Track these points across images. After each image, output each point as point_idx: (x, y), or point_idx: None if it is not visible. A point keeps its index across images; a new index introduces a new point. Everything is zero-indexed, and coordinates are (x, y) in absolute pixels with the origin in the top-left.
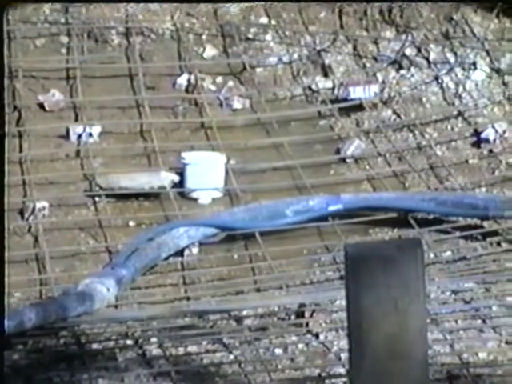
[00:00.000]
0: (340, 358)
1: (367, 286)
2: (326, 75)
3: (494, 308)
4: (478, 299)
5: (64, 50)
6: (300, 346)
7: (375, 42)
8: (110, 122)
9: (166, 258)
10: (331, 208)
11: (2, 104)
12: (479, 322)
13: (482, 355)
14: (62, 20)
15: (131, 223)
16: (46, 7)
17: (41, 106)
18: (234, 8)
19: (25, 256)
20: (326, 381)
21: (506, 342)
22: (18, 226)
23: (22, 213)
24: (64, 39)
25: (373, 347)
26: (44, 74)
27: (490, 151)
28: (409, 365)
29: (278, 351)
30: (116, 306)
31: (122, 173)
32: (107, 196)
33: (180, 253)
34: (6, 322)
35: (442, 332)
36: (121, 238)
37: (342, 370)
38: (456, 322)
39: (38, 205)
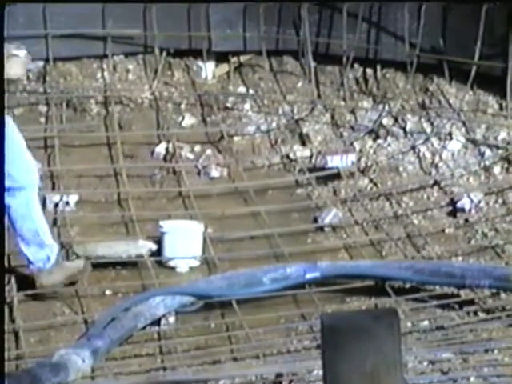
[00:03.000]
0: None
1: (344, 356)
2: (303, 144)
3: (472, 379)
4: (455, 370)
5: (43, 119)
6: None
7: (353, 112)
8: (88, 190)
9: (143, 328)
10: (308, 276)
11: (1, 103)
12: None
13: None
14: (41, 89)
15: (108, 292)
16: (24, 79)
17: None
18: (212, 78)
19: None
20: None
21: None
22: None
23: None
24: (43, 108)
25: None
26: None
27: (466, 220)
28: None
29: None
30: (92, 378)
31: (99, 241)
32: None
33: (157, 322)
34: None
35: None
36: (97, 308)
37: None
38: None
39: (13, 277)
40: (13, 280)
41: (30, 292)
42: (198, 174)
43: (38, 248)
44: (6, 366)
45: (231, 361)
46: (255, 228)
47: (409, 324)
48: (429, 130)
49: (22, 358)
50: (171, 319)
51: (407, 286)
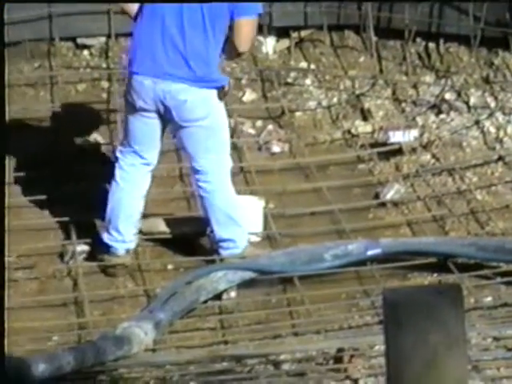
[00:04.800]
0: None
1: (406, 332)
2: (365, 119)
3: None
4: None
5: (105, 95)
6: None
7: (415, 87)
8: None
9: (204, 302)
10: (370, 252)
11: (2, 103)
12: None
13: None
14: (103, 65)
15: (170, 266)
16: (87, 53)
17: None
18: (273, 54)
19: (64, 299)
20: None
21: None
22: (57, 269)
23: (61, 256)
24: (105, 84)
25: None
26: (85, 118)
27: None
28: None
29: None
30: (154, 350)
31: (161, 217)
32: (146, 240)
33: (218, 296)
34: (44, 365)
35: (484, 380)
36: (159, 282)
37: None
38: (498, 369)
39: (78, 248)
40: (77, 251)
41: (94, 264)
42: (259, 149)
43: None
44: (70, 336)
45: (292, 336)
46: (316, 204)
47: (472, 301)
48: (493, 104)
49: (85, 328)
50: (232, 294)
51: (470, 262)
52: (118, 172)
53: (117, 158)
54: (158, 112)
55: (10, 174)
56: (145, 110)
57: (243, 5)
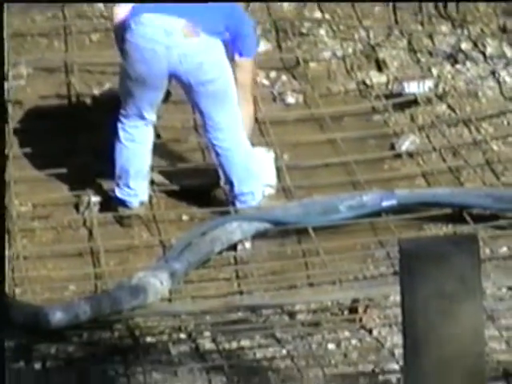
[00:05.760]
0: (393, 354)
1: (422, 282)
2: (380, 70)
3: None
4: None
5: None
6: (353, 341)
7: (430, 37)
8: (163, 117)
9: (220, 253)
10: (385, 204)
11: (2, 102)
12: None
13: None
14: None
15: (184, 217)
16: (101, 3)
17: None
18: (288, 4)
19: (79, 249)
20: (380, 376)
21: None
22: (72, 219)
23: (77, 206)
24: None
25: (428, 344)
26: (99, 68)
27: None
28: (464, 362)
29: (331, 346)
30: (169, 300)
31: (175, 168)
32: (160, 191)
33: (233, 247)
34: (60, 314)
35: (499, 329)
36: (174, 232)
37: (395, 366)
38: None
39: (93, 199)
40: (92, 202)
41: (109, 214)
42: (274, 100)
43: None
44: (86, 285)
45: (307, 286)
46: (331, 155)
47: (487, 251)
48: (509, 54)
49: (101, 277)
50: (247, 244)
51: (486, 213)
52: (121, 133)
53: (119, 120)
54: (166, 78)
55: (24, 124)
56: (150, 80)
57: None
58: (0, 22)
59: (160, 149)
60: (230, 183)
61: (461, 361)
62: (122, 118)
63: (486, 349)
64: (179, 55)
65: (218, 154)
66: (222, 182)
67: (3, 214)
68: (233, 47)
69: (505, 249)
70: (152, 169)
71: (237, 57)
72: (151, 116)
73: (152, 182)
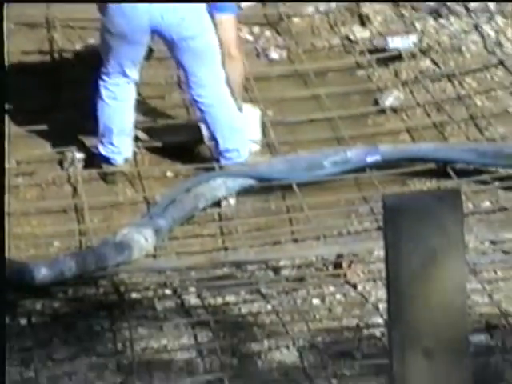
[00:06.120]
0: (378, 308)
1: (405, 236)
2: (363, 25)
3: None
4: None
5: None
6: (338, 296)
7: None
8: (146, 73)
9: (204, 209)
10: (369, 159)
11: (2, 102)
12: None
13: None
14: None
15: (169, 174)
16: None
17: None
18: None
19: (64, 206)
20: (364, 331)
21: None
22: (57, 176)
23: (61, 163)
24: None
25: (411, 298)
26: (82, 23)
27: None
28: (447, 315)
29: (316, 301)
30: (154, 256)
31: (159, 124)
32: (145, 148)
33: (218, 203)
34: (45, 270)
35: (481, 282)
36: (158, 189)
37: (379, 320)
38: (495, 272)
39: (77, 155)
40: (76, 158)
41: (93, 171)
42: (257, 56)
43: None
44: (71, 242)
45: (291, 242)
46: (315, 111)
47: (470, 206)
48: (493, 7)
49: (85, 234)
50: (232, 201)
51: (469, 168)
52: (103, 91)
53: (101, 78)
54: (147, 34)
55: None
56: (131, 36)
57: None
58: (0, 21)
59: (144, 106)
60: (215, 139)
61: (444, 314)
62: (104, 76)
63: (469, 302)
64: (160, 10)
65: (201, 111)
66: (206, 139)
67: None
68: (213, 4)
69: (488, 203)
70: (136, 126)
71: (217, 14)
72: (133, 73)
73: (136, 139)
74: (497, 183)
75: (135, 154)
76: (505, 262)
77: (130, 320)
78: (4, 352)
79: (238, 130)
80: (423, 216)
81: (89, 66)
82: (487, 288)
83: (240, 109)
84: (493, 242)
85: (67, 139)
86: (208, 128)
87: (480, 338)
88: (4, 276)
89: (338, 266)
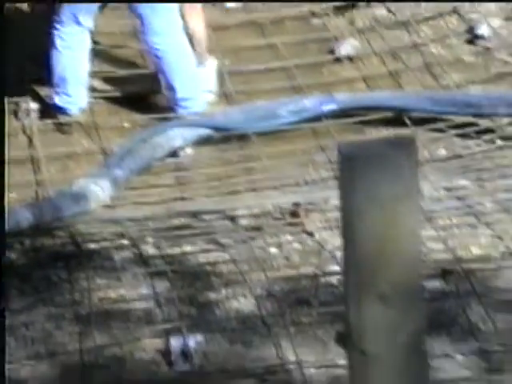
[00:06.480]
0: (334, 256)
1: (360, 184)
2: None
3: (487, 204)
4: (471, 196)
5: None
6: (295, 244)
7: None
8: (102, 22)
9: (161, 159)
10: (326, 108)
11: (2, 101)
12: (472, 218)
13: (475, 251)
14: None
15: (125, 124)
16: None
17: None
18: None
19: (20, 157)
20: (321, 278)
21: (498, 238)
22: (12, 126)
23: (15, 114)
24: None
25: (365, 244)
26: None
27: (485, 48)
28: (402, 261)
29: (273, 250)
30: (111, 207)
31: (116, 74)
32: (101, 98)
33: (175, 153)
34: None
35: (436, 229)
36: (115, 139)
37: (336, 268)
38: (450, 219)
39: (32, 105)
40: (31, 109)
41: (48, 121)
42: (213, 4)
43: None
44: (27, 192)
45: (249, 191)
46: (272, 60)
47: (426, 154)
48: None
49: (42, 185)
50: (189, 151)
51: (425, 116)
52: (57, 40)
53: (54, 27)
54: None
55: None
56: None
57: None
58: (0, 21)
59: (99, 55)
60: (172, 89)
61: (398, 260)
62: (58, 25)
63: (424, 249)
64: None
65: (157, 60)
66: (163, 88)
67: None
68: None
69: (443, 151)
70: (92, 75)
71: None
72: (87, 22)
73: (92, 89)
74: (452, 131)
75: (91, 104)
76: (459, 208)
77: (88, 270)
78: (4, 351)
79: (195, 79)
80: (378, 163)
81: (42, 16)
82: (442, 235)
83: (203, 57)
84: (448, 190)
85: (21, 90)
86: (164, 77)
87: (435, 284)
88: None
89: (295, 214)
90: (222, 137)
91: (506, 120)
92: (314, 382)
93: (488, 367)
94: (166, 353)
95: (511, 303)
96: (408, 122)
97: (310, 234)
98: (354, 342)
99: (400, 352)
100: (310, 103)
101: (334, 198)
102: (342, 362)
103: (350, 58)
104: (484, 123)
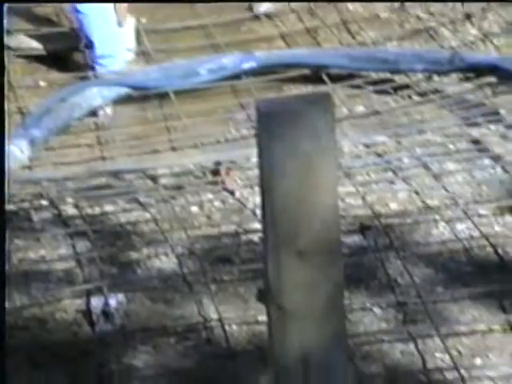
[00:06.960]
0: (255, 214)
1: (278, 141)
2: None
3: (405, 160)
4: (389, 152)
5: None
6: (216, 203)
7: None
8: None
9: (80, 119)
10: (245, 65)
11: (1, 102)
12: (390, 174)
13: (393, 206)
14: None
15: (42, 83)
16: None
17: None
18: None
19: None
20: (242, 236)
21: (416, 193)
22: None
23: None
24: None
25: (283, 201)
26: None
27: (400, 4)
28: (320, 217)
29: (194, 209)
30: (30, 168)
31: (32, 31)
32: (17, 56)
33: (94, 113)
34: None
35: (355, 185)
36: (32, 99)
37: (257, 226)
38: (368, 174)
39: None
40: None
41: None
42: None
43: None
44: None
45: (169, 150)
46: (190, 17)
47: (345, 110)
48: None
49: None
50: (108, 110)
51: (343, 72)
52: None
53: None
54: None
55: None
56: None
57: None
58: (0, 21)
59: (16, 12)
60: (90, 47)
61: (317, 216)
62: None
63: (343, 205)
64: None
65: (77, 16)
66: (82, 46)
67: None
68: None
69: (361, 108)
70: (7, 33)
71: None
72: None
73: (7, 47)
74: (370, 87)
75: (6, 63)
76: (377, 164)
77: (6, 231)
78: (4, 351)
79: (114, 36)
80: (295, 120)
81: None
82: (361, 190)
83: (123, 16)
84: (366, 146)
85: None
86: (84, 34)
87: (354, 239)
88: None
89: (216, 173)
90: (142, 95)
91: (421, 76)
92: (235, 338)
93: (404, 319)
94: (87, 313)
95: (428, 257)
96: (326, 78)
97: (231, 193)
98: (273, 297)
99: (318, 307)
100: (229, 61)
101: (254, 156)
102: (263, 318)
103: (268, 16)
104: (400, 79)
